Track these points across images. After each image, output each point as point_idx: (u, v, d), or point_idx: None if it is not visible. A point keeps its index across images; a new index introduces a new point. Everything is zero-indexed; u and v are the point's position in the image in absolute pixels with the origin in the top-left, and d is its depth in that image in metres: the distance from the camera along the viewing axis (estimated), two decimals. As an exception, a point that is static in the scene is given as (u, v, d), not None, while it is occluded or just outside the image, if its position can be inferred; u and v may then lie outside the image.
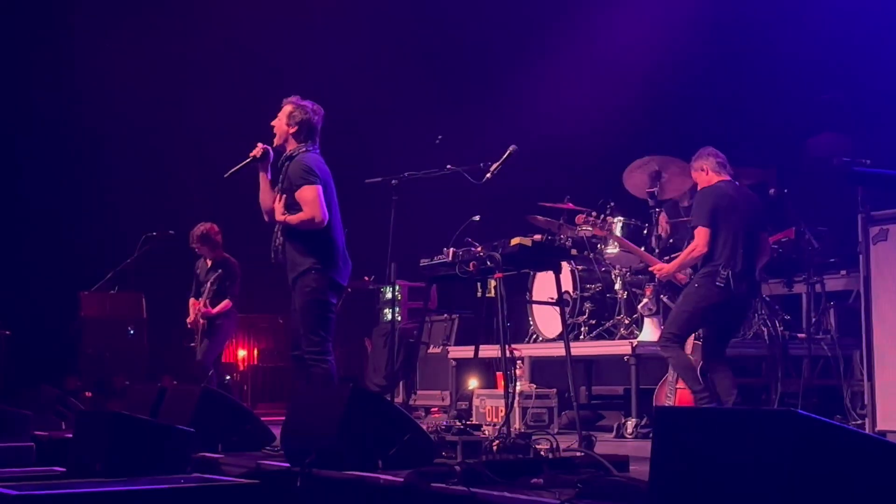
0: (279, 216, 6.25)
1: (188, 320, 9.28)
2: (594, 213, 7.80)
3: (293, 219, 6.18)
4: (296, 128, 6.32)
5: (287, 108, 6.36)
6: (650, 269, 7.69)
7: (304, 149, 6.29)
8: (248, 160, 6.34)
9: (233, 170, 6.36)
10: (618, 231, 8.73)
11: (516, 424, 7.52)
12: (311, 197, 6.11)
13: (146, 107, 12.80)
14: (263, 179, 6.39)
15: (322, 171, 6.23)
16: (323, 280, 6.22)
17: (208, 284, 9.16)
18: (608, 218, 7.89)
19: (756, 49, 10.50)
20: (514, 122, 11.42)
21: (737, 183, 7.09)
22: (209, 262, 9.36)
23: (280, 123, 6.37)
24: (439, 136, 6.73)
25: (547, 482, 4.15)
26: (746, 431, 3.13)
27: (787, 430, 2.99)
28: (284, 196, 6.22)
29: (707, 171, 7.04)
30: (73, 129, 12.83)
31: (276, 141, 6.40)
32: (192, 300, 9.35)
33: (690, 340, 7.13)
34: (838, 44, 9.68)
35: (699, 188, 7.13)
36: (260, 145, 6.34)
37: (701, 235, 6.80)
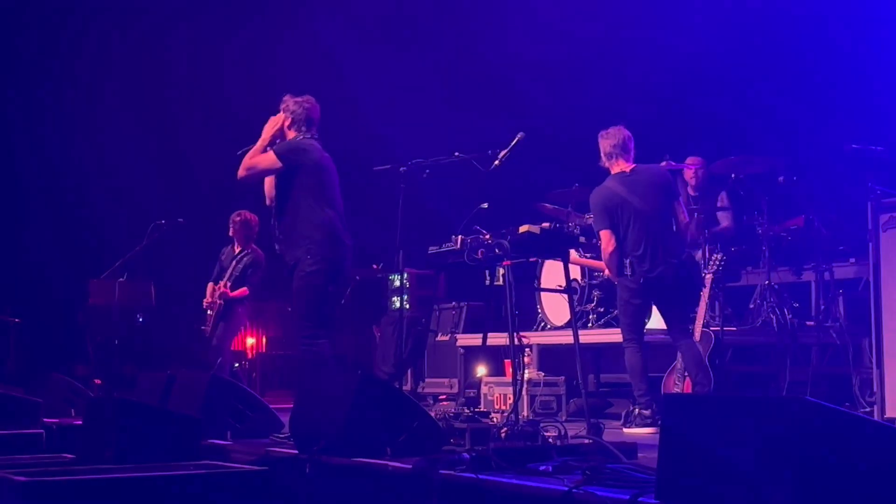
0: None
1: (205, 301, 9.32)
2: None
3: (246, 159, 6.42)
4: (290, 119, 6.55)
5: (281, 107, 6.60)
6: (604, 275, 8.07)
7: (300, 137, 6.53)
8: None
9: (244, 149, 6.51)
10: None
11: (524, 412, 7.52)
12: (260, 158, 6.40)
13: (156, 93, 12.82)
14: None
15: (307, 156, 6.40)
16: (317, 265, 6.30)
17: (234, 264, 9.21)
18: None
19: (767, 36, 10.46)
20: (523, 109, 11.42)
21: (631, 168, 7.24)
22: (237, 249, 9.41)
23: (277, 120, 6.58)
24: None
25: (555, 469, 4.15)
26: (755, 419, 3.13)
27: (796, 417, 2.99)
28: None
29: (608, 167, 7.35)
30: (81, 118, 12.85)
31: (279, 139, 6.59)
32: (210, 284, 9.38)
33: (698, 329, 7.20)
34: (849, 28, 9.63)
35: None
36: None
37: (603, 238, 7.23)
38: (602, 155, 7.36)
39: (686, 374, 7.22)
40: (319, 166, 6.41)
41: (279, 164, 6.39)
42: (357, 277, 11.96)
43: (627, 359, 7.29)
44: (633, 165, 7.32)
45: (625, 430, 7.17)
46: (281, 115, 6.57)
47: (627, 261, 7.15)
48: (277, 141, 6.55)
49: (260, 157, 6.44)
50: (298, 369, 6.19)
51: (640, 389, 7.18)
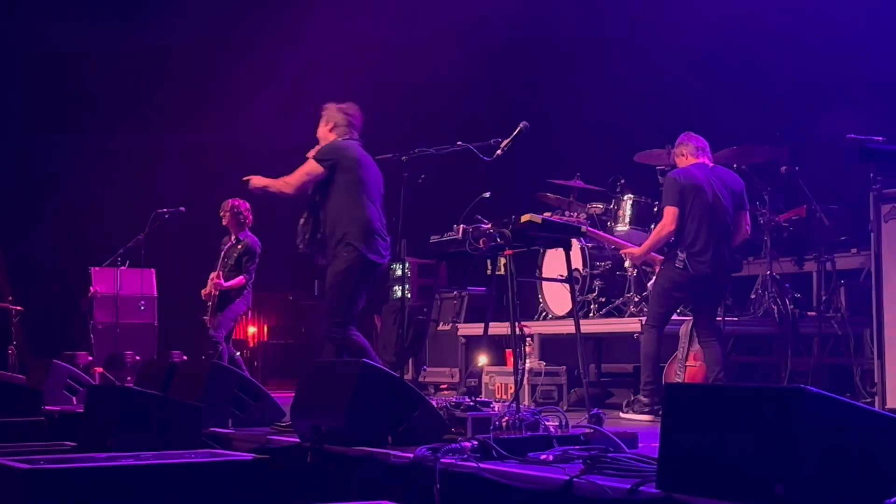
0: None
1: (203, 292, 9.33)
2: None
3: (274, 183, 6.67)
4: (332, 124, 6.78)
5: (323, 114, 6.84)
6: (623, 253, 7.88)
7: (339, 140, 6.72)
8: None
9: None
10: (627, 208, 8.75)
11: (526, 401, 7.53)
12: (302, 171, 6.58)
13: (158, 82, 12.81)
14: None
15: (344, 154, 6.60)
16: (352, 260, 6.47)
17: (229, 253, 9.22)
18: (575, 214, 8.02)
19: (769, 27, 10.44)
20: (525, 99, 11.41)
21: (712, 166, 7.22)
22: (233, 239, 9.42)
23: (319, 129, 6.83)
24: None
25: (556, 458, 4.16)
26: (756, 408, 3.13)
27: (796, 406, 2.99)
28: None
29: (686, 156, 7.27)
30: (83, 105, 12.84)
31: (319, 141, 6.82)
32: (212, 274, 9.40)
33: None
34: (853, 17, 9.61)
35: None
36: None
37: (668, 214, 7.08)
38: (687, 156, 7.25)
39: (686, 364, 7.22)
40: (357, 163, 6.59)
41: (321, 170, 6.56)
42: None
43: (644, 343, 7.20)
44: (711, 163, 7.27)
45: (621, 414, 7.18)
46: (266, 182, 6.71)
47: (683, 254, 7.00)
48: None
49: (302, 171, 6.59)
50: (305, 359, 6.23)
51: (648, 376, 7.12)
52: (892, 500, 2.86)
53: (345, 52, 12.54)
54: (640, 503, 3.38)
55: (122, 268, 10.83)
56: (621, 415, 7.16)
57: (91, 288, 11.04)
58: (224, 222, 9.46)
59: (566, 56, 11.93)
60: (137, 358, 10.59)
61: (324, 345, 6.80)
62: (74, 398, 8.05)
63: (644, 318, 7.54)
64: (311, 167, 6.60)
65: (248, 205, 9.43)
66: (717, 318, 7.75)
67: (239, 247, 9.33)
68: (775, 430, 3.02)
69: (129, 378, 9.81)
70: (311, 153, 6.71)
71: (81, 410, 6.43)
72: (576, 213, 9.05)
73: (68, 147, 12.77)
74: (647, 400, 7.08)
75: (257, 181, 6.73)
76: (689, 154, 7.26)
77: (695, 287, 7.09)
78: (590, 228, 8.10)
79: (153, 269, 11.22)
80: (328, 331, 6.52)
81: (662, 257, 7.34)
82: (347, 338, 6.46)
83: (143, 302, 11.18)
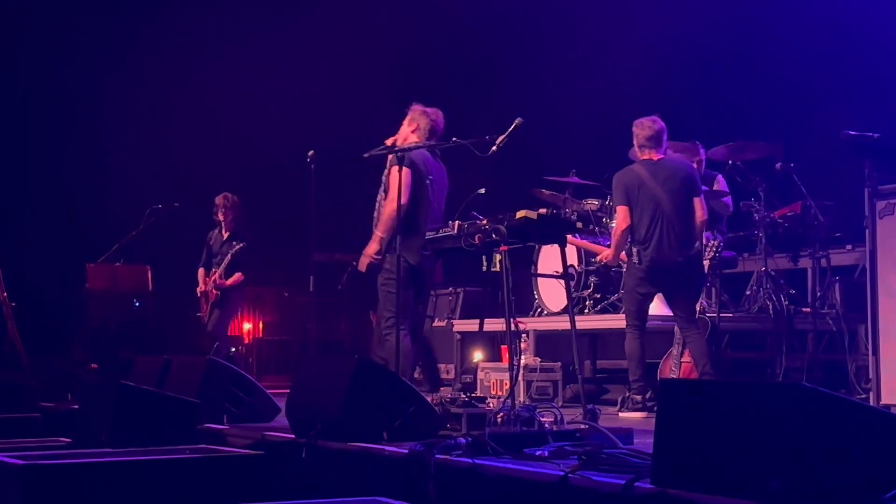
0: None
1: (199, 289, 9.31)
2: None
3: (384, 215, 6.83)
4: (415, 125, 7.00)
5: (409, 113, 7.06)
6: (599, 258, 8.10)
7: (413, 146, 6.90)
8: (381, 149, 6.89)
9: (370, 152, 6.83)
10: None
11: (521, 397, 7.54)
12: (392, 180, 6.69)
13: (153, 79, 12.79)
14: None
15: (416, 161, 6.82)
16: (395, 263, 6.63)
17: (229, 256, 9.19)
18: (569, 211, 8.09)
19: (764, 23, 10.44)
20: (520, 95, 11.40)
21: (657, 159, 7.33)
22: (225, 234, 9.39)
23: (402, 128, 7.05)
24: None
25: (551, 454, 4.15)
26: (751, 404, 3.13)
27: (791, 402, 2.99)
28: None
29: (637, 156, 7.50)
30: (79, 100, 12.82)
31: (398, 140, 7.00)
32: (201, 270, 9.37)
33: None
34: (848, 13, 9.62)
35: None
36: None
37: (619, 213, 7.38)
38: (635, 144, 7.47)
39: (681, 360, 7.24)
40: (420, 172, 6.81)
41: (408, 171, 6.74)
42: (353, 263, 11.95)
43: (627, 344, 7.34)
44: (662, 156, 7.40)
45: (620, 414, 7.20)
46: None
47: (635, 249, 7.23)
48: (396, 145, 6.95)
49: (394, 180, 6.68)
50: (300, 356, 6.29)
51: (634, 375, 7.25)
52: (888, 495, 2.86)
53: (336, 47, 12.53)
54: (634, 499, 3.38)
55: (118, 264, 10.81)
56: (620, 415, 7.16)
57: (86, 284, 11.02)
58: (218, 217, 9.45)
59: (562, 51, 11.92)
60: (132, 355, 10.57)
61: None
62: (69, 394, 8.05)
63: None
64: (403, 175, 6.68)
65: (238, 199, 9.41)
66: (712, 315, 7.77)
67: (234, 243, 9.32)
68: (770, 426, 3.02)
69: (123, 375, 9.79)
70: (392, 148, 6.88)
71: (77, 406, 6.42)
72: (570, 210, 9.07)
73: (63, 141, 12.76)
74: (640, 397, 7.14)
75: (369, 251, 6.96)
76: (638, 154, 7.50)
77: (653, 279, 7.24)
78: (570, 238, 8.16)
79: (148, 266, 11.20)
80: (380, 329, 6.88)
81: (626, 257, 7.48)
82: (391, 335, 6.60)
83: (137, 299, 11.15)
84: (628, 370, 7.33)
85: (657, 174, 7.27)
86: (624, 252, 7.51)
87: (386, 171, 6.89)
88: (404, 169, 6.69)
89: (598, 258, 8.00)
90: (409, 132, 7.03)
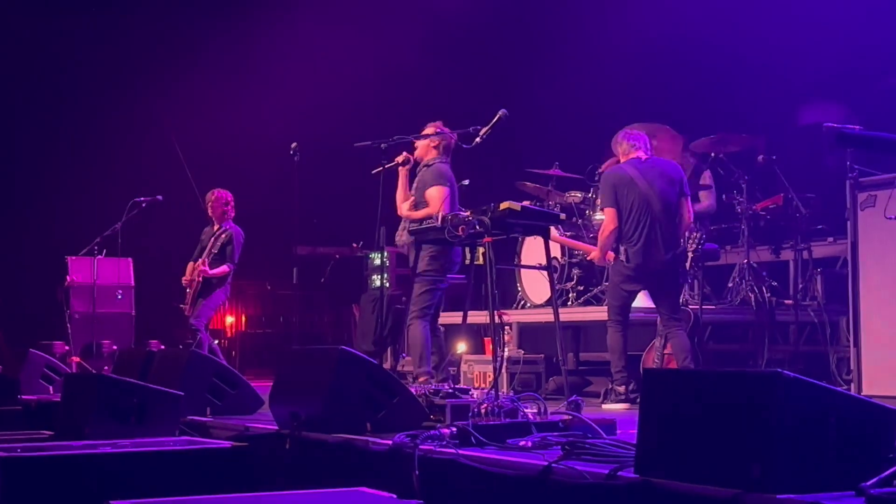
0: (404, 212, 7.45)
1: (184, 279, 9.29)
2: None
3: (417, 214, 7.29)
4: (437, 141, 7.42)
5: (429, 131, 7.46)
6: (587, 258, 8.18)
7: (439, 160, 7.40)
8: (392, 164, 7.29)
9: (378, 169, 7.07)
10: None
11: (504, 390, 7.54)
12: (436, 196, 7.19)
13: (134, 72, 12.74)
14: (403, 180, 7.52)
15: (451, 179, 7.35)
16: (435, 264, 7.23)
17: (213, 241, 9.18)
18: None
19: (747, 15, 10.46)
20: (504, 87, 11.41)
21: (646, 158, 7.34)
22: (216, 228, 9.38)
23: (424, 141, 7.46)
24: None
25: (535, 444, 4.17)
26: (733, 393, 3.15)
27: (772, 390, 3.01)
28: (413, 196, 7.41)
29: (623, 154, 7.49)
30: (62, 93, 12.76)
31: (417, 153, 7.46)
32: (191, 263, 9.35)
33: None
34: (828, 9, 9.65)
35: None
36: (405, 153, 7.44)
37: (607, 215, 7.37)
38: (621, 156, 7.50)
39: (664, 352, 7.26)
40: (452, 184, 7.35)
41: (447, 188, 7.25)
42: (336, 256, 11.95)
43: (609, 337, 7.36)
44: (649, 156, 7.40)
45: (603, 406, 7.22)
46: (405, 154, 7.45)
47: (623, 248, 7.21)
48: (411, 159, 7.45)
49: (436, 195, 7.19)
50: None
51: (617, 367, 7.27)
52: (868, 482, 2.88)
53: (320, 39, 12.51)
54: (618, 488, 3.39)
55: (99, 257, 10.77)
56: (603, 406, 7.17)
57: (68, 277, 10.98)
58: (210, 212, 9.43)
59: (545, 44, 11.93)
60: (114, 347, 10.54)
61: None
62: (51, 387, 8.02)
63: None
64: (443, 193, 7.23)
65: (231, 195, 9.41)
66: (694, 307, 7.79)
67: (223, 235, 9.30)
68: (752, 413, 3.04)
69: (106, 367, 9.76)
70: (401, 158, 7.39)
71: (58, 399, 6.40)
72: (553, 203, 9.08)
73: (44, 134, 12.71)
74: (622, 388, 7.16)
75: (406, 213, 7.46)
76: (623, 153, 7.47)
77: (640, 277, 7.24)
78: (555, 236, 8.17)
79: (130, 259, 11.16)
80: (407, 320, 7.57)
81: (613, 255, 7.46)
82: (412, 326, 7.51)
83: (120, 291, 11.11)
84: (610, 362, 7.34)
85: (647, 173, 7.26)
86: (611, 251, 7.49)
87: (422, 186, 7.36)
88: (444, 188, 7.24)
89: (588, 258, 8.01)
90: (431, 147, 7.41)
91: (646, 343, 7.60)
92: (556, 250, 8.70)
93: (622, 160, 7.49)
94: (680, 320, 7.28)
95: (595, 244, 8.69)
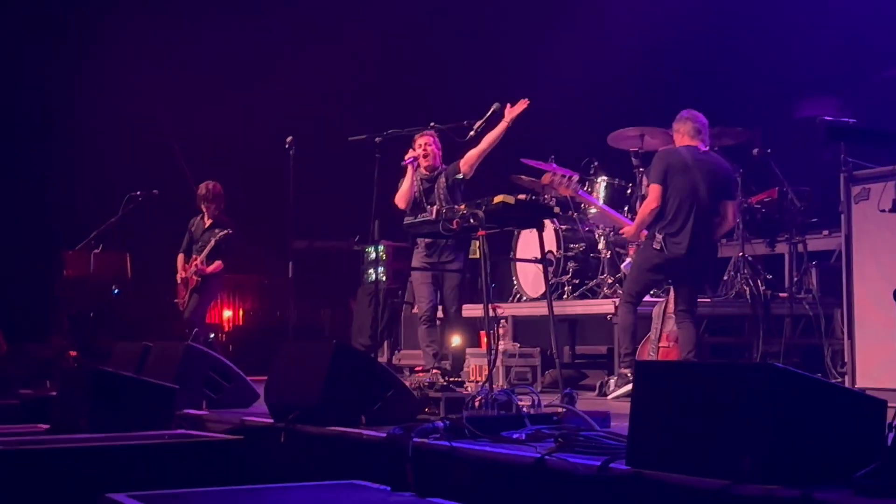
0: None
1: (179, 276, 9.28)
2: (559, 174, 7.76)
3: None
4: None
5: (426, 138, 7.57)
6: (620, 232, 7.81)
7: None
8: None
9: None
10: (601, 190, 8.76)
11: (500, 383, 7.56)
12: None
13: (131, 66, 12.73)
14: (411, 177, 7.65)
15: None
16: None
17: (212, 241, 9.15)
18: (572, 177, 7.87)
19: (741, 9, 10.47)
20: (499, 80, 11.40)
21: (704, 149, 7.08)
22: (208, 221, 9.35)
23: (434, 148, 7.58)
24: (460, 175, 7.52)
25: (528, 437, 4.18)
26: (726, 385, 3.17)
27: (766, 383, 3.02)
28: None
29: (682, 135, 7.11)
30: (56, 88, 12.75)
31: (437, 161, 7.64)
32: (180, 256, 9.34)
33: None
34: (826, 1, 9.66)
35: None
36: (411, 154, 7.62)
37: (652, 191, 7.02)
38: (683, 135, 7.09)
39: (659, 344, 7.27)
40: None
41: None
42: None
43: (620, 316, 7.17)
44: (707, 149, 7.14)
45: (609, 398, 7.13)
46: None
47: (660, 235, 6.93)
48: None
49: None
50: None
51: (626, 347, 7.09)
52: (860, 474, 2.89)
53: (315, 32, 12.51)
54: (610, 480, 3.41)
55: (96, 251, 10.78)
56: (609, 399, 7.09)
57: (64, 272, 10.98)
58: (202, 205, 9.41)
59: (539, 37, 11.93)
60: (111, 342, 10.54)
61: None
62: (48, 382, 8.04)
63: (617, 299, 7.58)
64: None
65: (221, 188, 9.39)
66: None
67: (216, 230, 9.28)
68: (744, 406, 3.06)
69: (102, 362, 9.77)
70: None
71: (55, 393, 6.41)
72: (548, 196, 9.08)
73: (38, 128, 12.70)
74: (629, 371, 6.95)
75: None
76: (685, 133, 7.10)
77: (671, 269, 7.05)
78: (587, 197, 8.06)
79: (127, 253, 11.17)
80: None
81: (639, 240, 7.34)
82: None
83: (116, 285, 11.12)
84: (618, 344, 7.18)
85: (702, 165, 6.98)
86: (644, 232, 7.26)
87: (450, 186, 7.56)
88: None
89: (622, 231, 7.70)
90: (439, 154, 7.60)
91: (642, 335, 7.59)
92: (551, 244, 8.72)
93: (679, 140, 7.13)
94: (693, 315, 7.15)
95: (594, 238, 8.72)
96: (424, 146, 7.57)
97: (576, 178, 7.52)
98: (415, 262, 7.69)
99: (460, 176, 7.52)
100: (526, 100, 7.41)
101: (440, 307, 7.78)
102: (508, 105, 7.40)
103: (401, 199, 7.60)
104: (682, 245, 6.90)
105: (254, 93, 12.68)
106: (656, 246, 6.94)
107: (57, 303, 10.99)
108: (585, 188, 8.91)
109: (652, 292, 7.71)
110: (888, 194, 6.10)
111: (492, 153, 7.56)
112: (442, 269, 7.50)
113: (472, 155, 7.47)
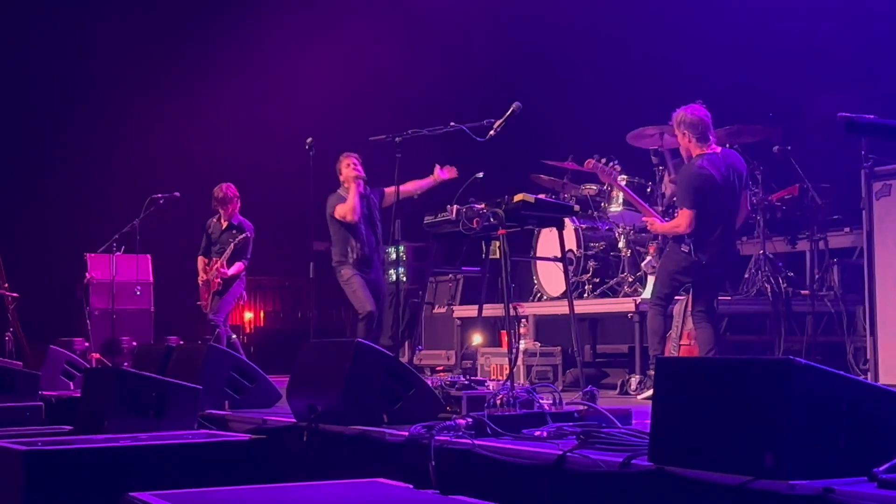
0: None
1: (201, 279, 9.33)
2: (603, 159, 7.69)
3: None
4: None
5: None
6: (643, 219, 7.66)
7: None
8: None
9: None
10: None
11: (521, 382, 7.56)
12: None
13: (154, 71, 12.81)
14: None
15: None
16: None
17: (231, 245, 9.20)
18: (616, 167, 7.77)
19: (759, 6, 10.44)
20: (519, 80, 11.41)
21: (720, 151, 6.99)
22: (224, 223, 9.40)
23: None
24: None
25: (550, 434, 4.19)
26: (746, 381, 3.16)
27: (785, 378, 3.02)
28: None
29: (692, 142, 6.93)
30: (79, 91, 12.84)
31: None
32: (201, 258, 9.39)
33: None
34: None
35: (685, 163, 7.10)
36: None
37: (685, 217, 6.85)
38: (691, 140, 6.91)
39: (680, 342, 7.25)
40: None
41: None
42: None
43: (649, 319, 7.14)
44: (718, 148, 7.02)
45: (639, 397, 7.11)
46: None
47: (690, 241, 6.84)
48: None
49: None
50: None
51: (656, 350, 7.05)
52: (881, 468, 2.89)
53: (335, 35, 12.54)
54: (631, 476, 3.41)
55: (118, 254, 10.85)
56: (639, 398, 7.07)
57: (87, 274, 11.05)
58: (219, 207, 9.46)
59: (559, 36, 11.93)
60: (134, 343, 10.61)
61: None
62: (71, 383, 8.09)
63: (638, 298, 7.57)
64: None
65: (234, 188, 9.45)
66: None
67: (234, 232, 9.34)
68: (765, 401, 3.05)
69: (125, 363, 9.84)
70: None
71: (78, 395, 6.45)
72: (568, 195, 9.09)
73: (62, 132, 12.79)
74: None
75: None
76: (693, 139, 6.92)
77: (698, 273, 6.99)
78: (623, 187, 8.00)
79: (149, 255, 11.23)
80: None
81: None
82: None
83: (138, 287, 11.19)
84: (649, 346, 7.15)
85: (724, 171, 6.86)
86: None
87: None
88: None
89: (645, 219, 7.46)
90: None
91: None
92: (571, 243, 8.72)
93: (693, 149, 6.94)
94: (712, 315, 7.10)
95: (614, 237, 8.70)
96: (357, 165, 8.39)
97: (618, 165, 7.51)
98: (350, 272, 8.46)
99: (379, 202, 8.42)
100: (454, 169, 8.22)
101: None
102: (437, 166, 8.19)
103: (351, 212, 8.37)
104: (712, 254, 6.88)
105: (274, 93, 12.74)
106: (684, 249, 6.88)
107: (80, 305, 11.07)
108: (605, 187, 8.92)
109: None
110: (909, 190, 6.09)
111: (494, 157, 7.63)
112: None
113: (395, 192, 7.31)
